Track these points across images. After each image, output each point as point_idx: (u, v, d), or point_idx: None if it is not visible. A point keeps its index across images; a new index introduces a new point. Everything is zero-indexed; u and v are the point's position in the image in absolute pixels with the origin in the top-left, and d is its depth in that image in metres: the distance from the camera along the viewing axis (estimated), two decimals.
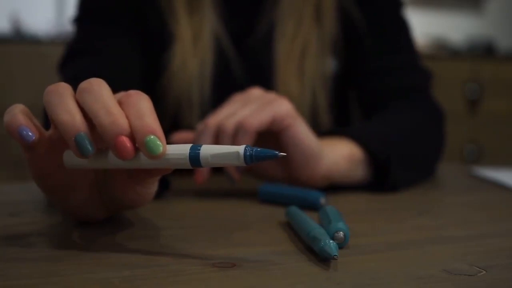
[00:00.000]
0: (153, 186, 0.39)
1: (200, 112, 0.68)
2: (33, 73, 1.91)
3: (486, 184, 0.62)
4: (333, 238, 0.36)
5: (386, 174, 0.56)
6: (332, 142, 0.56)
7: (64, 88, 0.34)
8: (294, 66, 0.69)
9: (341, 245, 0.36)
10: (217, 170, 0.56)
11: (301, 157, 0.52)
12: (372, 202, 0.54)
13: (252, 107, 0.51)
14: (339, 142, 0.56)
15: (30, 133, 0.34)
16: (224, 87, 0.69)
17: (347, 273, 0.32)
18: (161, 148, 0.33)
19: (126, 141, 0.33)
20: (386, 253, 0.36)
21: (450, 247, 0.38)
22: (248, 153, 0.32)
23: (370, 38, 0.71)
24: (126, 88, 0.37)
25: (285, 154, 0.33)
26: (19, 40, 2.19)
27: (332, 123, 0.72)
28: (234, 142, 0.50)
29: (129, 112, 0.33)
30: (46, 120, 0.36)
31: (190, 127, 0.68)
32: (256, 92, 0.54)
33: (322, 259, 0.34)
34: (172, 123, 0.68)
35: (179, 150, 0.33)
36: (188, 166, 0.33)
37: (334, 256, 0.33)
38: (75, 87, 0.35)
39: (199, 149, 0.33)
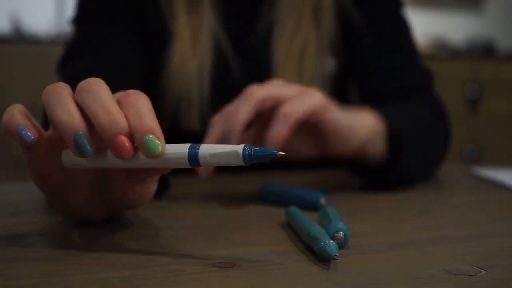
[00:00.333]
0: (153, 186, 0.39)
1: (199, 112, 0.68)
2: (33, 73, 1.92)
3: (486, 184, 0.62)
4: (333, 238, 0.36)
5: (396, 157, 0.57)
6: (362, 115, 0.57)
7: (63, 88, 0.34)
8: (293, 66, 0.69)
9: (341, 245, 0.36)
10: (219, 169, 0.56)
11: (338, 139, 0.53)
12: (372, 202, 0.54)
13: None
14: (366, 115, 0.57)
15: (29, 133, 0.34)
16: (223, 87, 0.69)
17: (347, 273, 0.32)
18: (159, 147, 0.33)
19: (125, 141, 0.33)
20: (386, 253, 0.36)
21: (450, 247, 0.38)
22: (247, 153, 0.32)
23: (370, 38, 0.71)
24: (126, 88, 0.37)
25: (284, 153, 0.33)
26: (19, 40, 2.19)
27: None
28: (271, 129, 0.49)
29: (128, 111, 0.33)
30: (46, 120, 0.36)
31: (189, 127, 0.68)
32: (281, 83, 0.54)
33: (322, 259, 0.34)
34: (171, 123, 0.68)
35: (178, 149, 0.33)
36: (187, 165, 0.33)
37: (334, 256, 0.33)
38: (74, 87, 0.35)
39: (198, 149, 0.33)
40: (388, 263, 0.34)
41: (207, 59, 0.68)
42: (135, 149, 0.33)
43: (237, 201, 0.52)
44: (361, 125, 0.56)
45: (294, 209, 0.42)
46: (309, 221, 0.38)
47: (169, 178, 0.51)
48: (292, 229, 0.41)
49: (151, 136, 0.32)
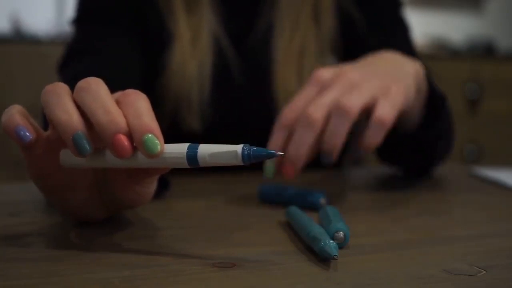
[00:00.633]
0: (152, 186, 0.39)
1: (199, 112, 0.68)
2: (33, 73, 1.92)
3: (486, 184, 0.62)
4: (333, 238, 0.36)
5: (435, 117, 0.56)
6: (408, 65, 0.55)
7: (62, 88, 0.34)
8: (293, 66, 0.69)
9: (341, 245, 0.36)
10: (219, 169, 0.56)
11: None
12: (372, 202, 0.54)
13: (338, 90, 0.49)
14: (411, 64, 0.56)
15: (27, 133, 0.34)
16: (223, 87, 0.69)
17: (347, 273, 0.32)
18: (158, 147, 0.33)
19: (124, 140, 0.33)
20: (386, 253, 0.36)
21: (450, 247, 0.38)
22: (246, 153, 0.32)
23: (370, 38, 0.71)
24: (126, 88, 0.37)
25: (283, 153, 0.33)
26: (19, 40, 2.19)
27: None
28: (330, 127, 0.48)
29: (127, 111, 0.33)
30: (46, 120, 0.36)
31: (189, 127, 0.68)
32: (327, 74, 0.52)
33: (322, 259, 0.34)
34: (171, 123, 0.68)
35: (177, 149, 0.33)
36: (185, 165, 0.33)
37: (334, 256, 0.33)
38: (74, 87, 0.35)
39: (197, 149, 0.33)
40: (388, 263, 0.34)
41: (207, 59, 0.68)
42: (134, 148, 0.33)
43: (237, 201, 0.52)
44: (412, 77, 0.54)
45: (294, 209, 0.42)
46: (309, 221, 0.38)
47: (169, 178, 0.51)
48: (292, 229, 0.41)
49: (150, 135, 0.33)
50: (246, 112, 0.70)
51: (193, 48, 0.67)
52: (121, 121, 0.33)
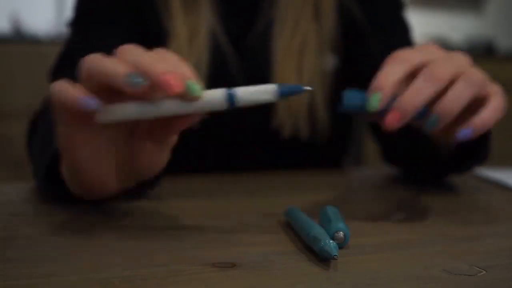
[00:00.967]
0: (167, 152, 0.41)
1: None
2: (33, 73, 1.91)
3: (487, 184, 0.62)
4: (333, 238, 0.36)
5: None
6: None
7: (100, 56, 0.36)
8: (293, 64, 0.69)
9: (341, 245, 0.36)
10: (219, 169, 0.56)
11: None
12: (372, 202, 0.54)
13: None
14: None
15: (92, 101, 0.35)
16: (221, 85, 0.68)
17: (347, 273, 0.32)
18: (200, 90, 0.36)
19: (174, 76, 0.35)
20: (386, 253, 0.36)
21: (450, 247, 0.38)
22: (280, 89, 0.36)
23: (371, 38, 0.71)
24: None
25: (311, 88, 0.38)
26: (19, 40, 2.19)
27: (331, 119, 0.72)
28: (453, 90, 0.45)
29: (167, 63, 0.36)
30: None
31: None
32: (435, 50, 0.49)
33: (322, 259, 0.34)
34: None
35: (215, 92, 0.36)
36: (223, 105, 0.36)
37: (334, 256, 0.33)
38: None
39: (234, 89, 0.36)
40: (388, 263, 0.34)
41: (204, 57, 0.67)
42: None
43: (237, 201, 0.52)
44: None
45: (294, 209, 0.42)
46: (309, 221, 0.38)
47: (162, 177, 0.50)
48: (292, 229, 0.41)
49: (191, 80, 0.36)
50: (245, 110, 0.70)
51: (190, 47, 0.67)
52: (165, 66, 0.35)
